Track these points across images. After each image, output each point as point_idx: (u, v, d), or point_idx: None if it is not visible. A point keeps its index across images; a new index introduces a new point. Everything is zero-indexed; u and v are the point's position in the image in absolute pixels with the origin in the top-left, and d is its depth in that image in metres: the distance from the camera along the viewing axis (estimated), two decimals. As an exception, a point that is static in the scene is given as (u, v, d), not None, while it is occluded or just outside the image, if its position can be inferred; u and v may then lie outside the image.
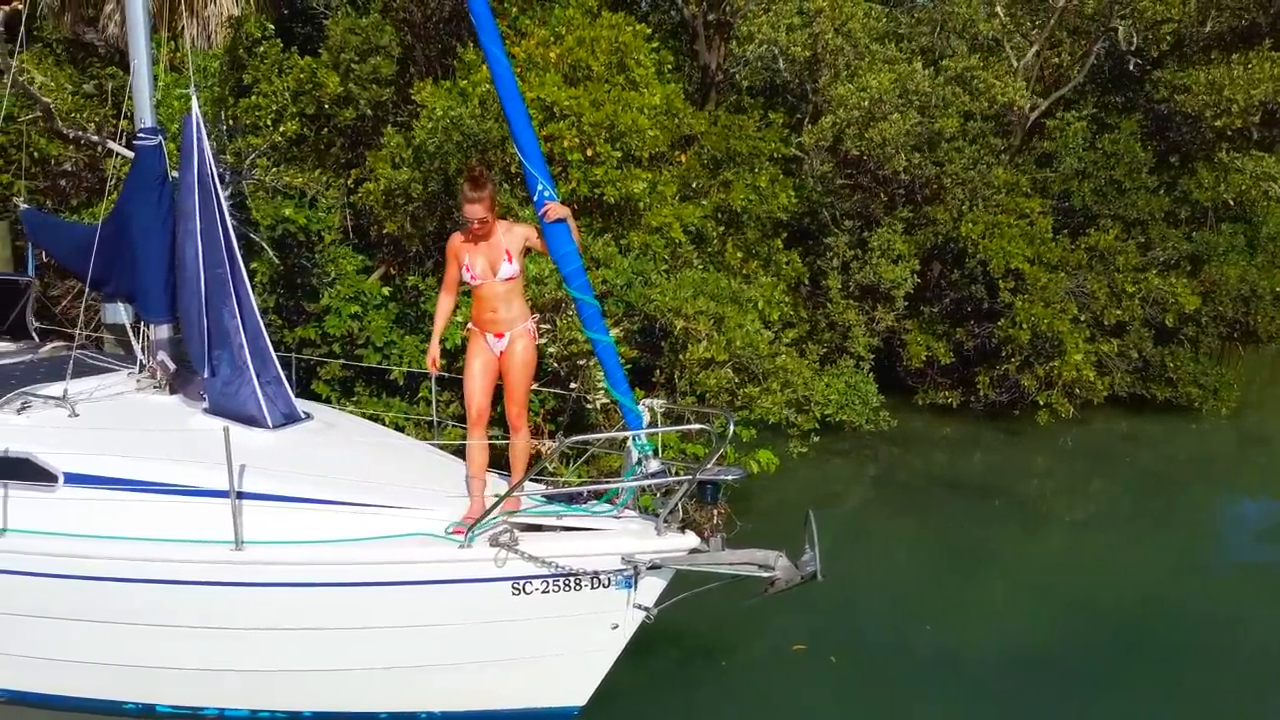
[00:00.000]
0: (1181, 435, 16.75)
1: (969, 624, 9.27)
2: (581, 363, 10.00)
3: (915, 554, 11.44)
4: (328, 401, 9.96)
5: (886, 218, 16.66)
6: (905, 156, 15.67)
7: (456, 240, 6.84)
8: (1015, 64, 17.96)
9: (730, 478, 6.35)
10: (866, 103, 15.10)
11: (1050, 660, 8.52)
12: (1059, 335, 15.22)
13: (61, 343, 9.28)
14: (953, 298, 17.23)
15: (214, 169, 7.67)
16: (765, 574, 6.31)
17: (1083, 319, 15.91)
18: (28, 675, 7.08)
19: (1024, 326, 15.37)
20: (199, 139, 7.63)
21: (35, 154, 13.25)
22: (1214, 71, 17.49)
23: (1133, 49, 18.14)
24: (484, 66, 11.81)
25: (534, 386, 7.33)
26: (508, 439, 6.98)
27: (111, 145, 11.96)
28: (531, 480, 7.09)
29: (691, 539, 6.46)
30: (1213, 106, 17.25)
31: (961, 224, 16.14)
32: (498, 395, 6.98)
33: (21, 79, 9.74)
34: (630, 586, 6.54)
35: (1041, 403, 15.74)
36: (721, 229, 13.91)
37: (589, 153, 11.26)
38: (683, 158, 14.00)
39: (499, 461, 7.29)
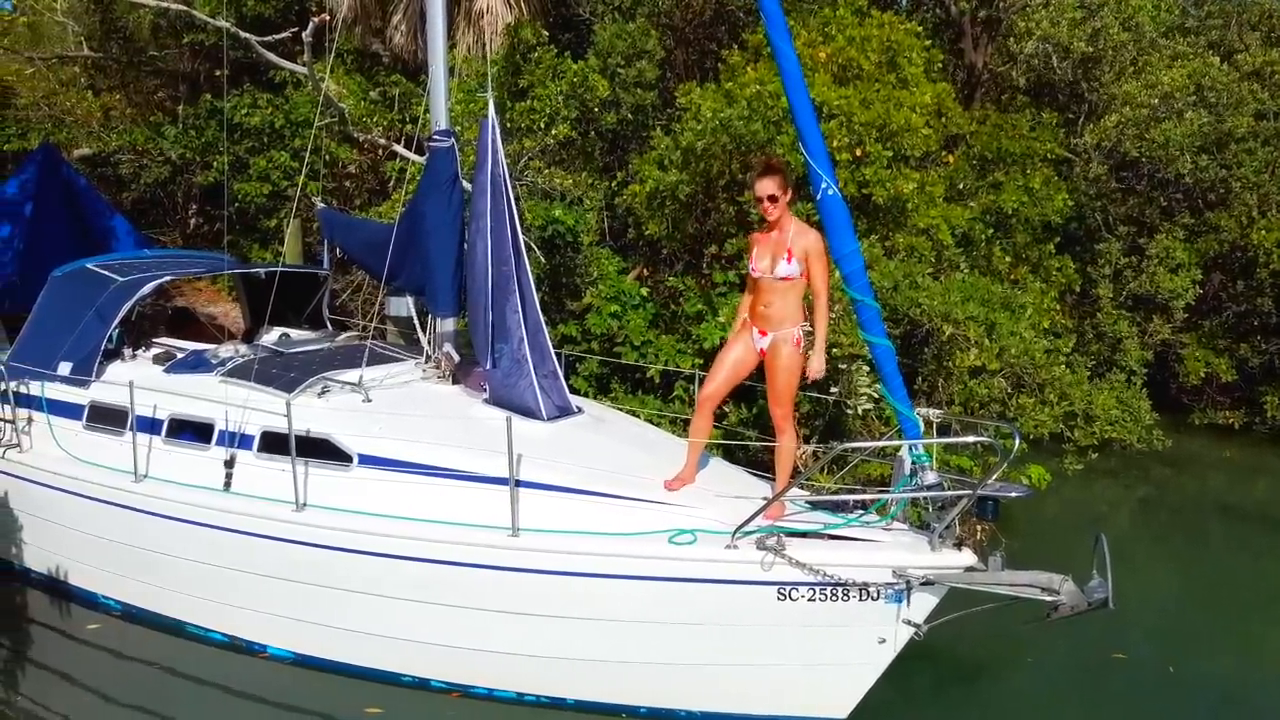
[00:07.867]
0: None
1: (1249, 662, 8.52)
2: (843, 367, 9.79)
3: (1188, 584, 10.59)
4: (585, 397, 10.17)
5: (1165, 224, 15.68)
6: (1190, 158, 14.66)
7: (755, 235, 6.89)
8: (1320, 58, 16.48)
9: (1015, 494, 6.07)
10: (1156, 100, 14.19)
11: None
12: (1364, 354, 13.95)
13: (353, 333, 9.86)
14: (1235, 310, 16.26)
15: (505, 172, 7.96)
16: (1049, 598, 5.96)
17: (1395, 336, 14.50)
18: (315, 640, 7.57)
19: (1322, 343, 14.17)
20: (494, 142, 7.96)
21: (327, 157, 14.26)
22: None
23: None
24: (749, 69, 11.85)
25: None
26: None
27: (396, 149, 12.71)
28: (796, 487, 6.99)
29: (968, 556, 6.23)
30: None
31: (1252, 231, 15.06)
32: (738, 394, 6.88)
33: (323, 85, 10.46)
34: (901, 601, 6.37)
35: (1341, 428, 14.45)
36: (990, 232, 13.37)
37: (857, 152, 11.04)
38: (949, 158, 13.54)
39: (756, 462, 7.21)
